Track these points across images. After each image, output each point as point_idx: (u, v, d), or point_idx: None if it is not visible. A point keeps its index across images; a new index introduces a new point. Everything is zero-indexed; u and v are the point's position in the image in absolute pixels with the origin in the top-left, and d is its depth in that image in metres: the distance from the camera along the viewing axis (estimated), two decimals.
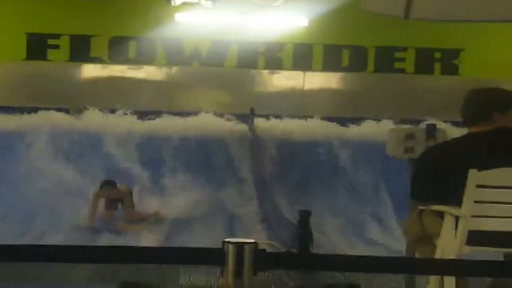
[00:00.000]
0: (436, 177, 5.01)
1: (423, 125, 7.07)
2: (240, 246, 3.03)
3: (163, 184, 11.16)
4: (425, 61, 13.01)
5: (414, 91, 12.79)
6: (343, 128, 12.07)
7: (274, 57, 12.87)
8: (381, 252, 8.67)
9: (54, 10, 12.47)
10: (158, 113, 12.13)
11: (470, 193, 4.78)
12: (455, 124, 9.17)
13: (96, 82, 12.73)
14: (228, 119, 12.03)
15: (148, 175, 11.22)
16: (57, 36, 12.64)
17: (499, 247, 4.88)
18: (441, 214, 4.97)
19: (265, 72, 12.92)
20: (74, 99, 12.27)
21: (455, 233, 4.85)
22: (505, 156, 4.88)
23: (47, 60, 12.68)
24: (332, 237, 9.81)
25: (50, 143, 11.34)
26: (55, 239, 9.19)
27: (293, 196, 11.02)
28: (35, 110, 11.93)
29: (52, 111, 11.95)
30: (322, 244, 8.82)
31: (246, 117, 12.04)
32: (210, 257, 3.08)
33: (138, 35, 12.67)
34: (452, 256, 4.79)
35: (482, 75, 12.30)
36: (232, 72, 12.81)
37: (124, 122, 11.80)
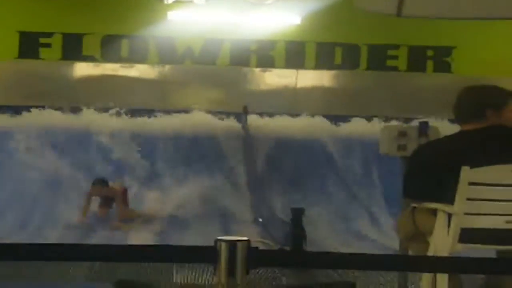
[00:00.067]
0: (429, 174, 5.01)
1: (415, 123, 7.06)
2: (232, 244, 3.03)
3: (156, 182, 11.16)
4: (417, 59, 13.03)
5: (407, 89, 12.80)
6: (335, 126, 12.09)
7: (266, 55, 12.87)
8: (374, 249, 8.67)
9: (46, 8, 12.45)
10: (150, 112, 12.13)
11: (463, 190, 4.78)
12: (448, 121, 9.18)
13: (88, 80, 12.71)
14: (220, 117, 12.04)
15: (140, 173, 11.22)
16: (49, 35, 12.62)
17: (491, 244, 4.88)
18: (433, 212, 4.97)
19: (258, 70, 12.92)
20: (67, 98, 12.26)
21: (448, 231, 4.85)
22: (497, 154, 4.88)
23: (40, 58, 12.66)
24: (325, 234, 9.81)
25: (43, 141, 11.33)
26: (49, 236, 9.20)
27: (286, 193, 11.02)
28: (27, 108, 11.91)
29: (44, 110, 11.94)
30: (314, 241, 8.81)
31: (239, 115, 12.04)
32: (203, 255, 3.07)
33: (130, 34, 12.66)
34: (444, 253, 4.79)
35: (474, 72, 12.28)
36: (224, 70, 12.81)
37: (117, 120, 11.80)
